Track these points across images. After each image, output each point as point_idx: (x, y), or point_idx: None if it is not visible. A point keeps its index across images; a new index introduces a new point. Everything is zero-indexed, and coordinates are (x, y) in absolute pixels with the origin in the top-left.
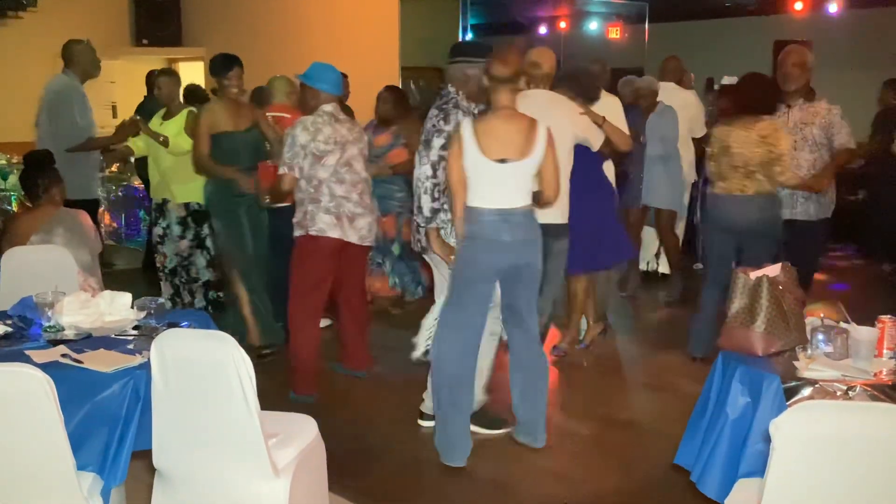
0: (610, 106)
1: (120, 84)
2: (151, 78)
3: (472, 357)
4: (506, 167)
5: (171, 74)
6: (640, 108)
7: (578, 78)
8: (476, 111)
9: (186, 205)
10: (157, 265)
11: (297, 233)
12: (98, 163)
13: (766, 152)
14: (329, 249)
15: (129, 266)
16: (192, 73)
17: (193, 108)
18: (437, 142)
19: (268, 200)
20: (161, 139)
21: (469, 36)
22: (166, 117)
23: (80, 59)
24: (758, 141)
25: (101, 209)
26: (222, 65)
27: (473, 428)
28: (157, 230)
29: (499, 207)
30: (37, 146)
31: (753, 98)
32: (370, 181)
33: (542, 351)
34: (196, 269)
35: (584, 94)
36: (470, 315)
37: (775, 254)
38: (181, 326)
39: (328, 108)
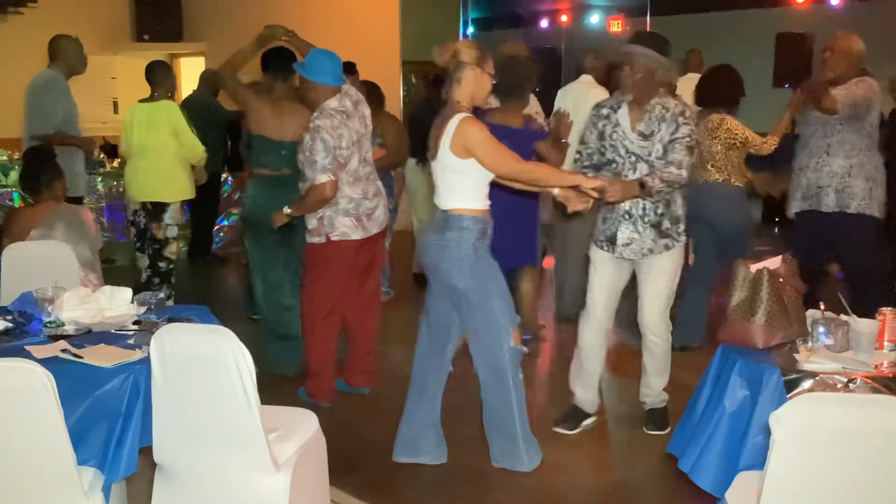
0: (598, 97)
1: (121, 79)
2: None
3: (428, 362)
4: (433, 164)
5: (166, 66)
6: None
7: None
8: (617, 103)
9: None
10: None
11: (315, 240)
12: (83, 160)
13: (725, 141)
14: (352, 252)
15: (129, 262)
16: (194, 68)
17: (173, 102)
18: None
19: (289, 211)
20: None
21: (470, 30)
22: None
23: (66, 55)
24: (707, 134)
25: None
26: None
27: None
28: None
29: (435, 204)
30: (23, 141)
31: (709, 91)
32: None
33: (489, 381)
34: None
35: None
36: (426, 309)
37: (746, 245)
38: (181, 321)
39: (334, 103)
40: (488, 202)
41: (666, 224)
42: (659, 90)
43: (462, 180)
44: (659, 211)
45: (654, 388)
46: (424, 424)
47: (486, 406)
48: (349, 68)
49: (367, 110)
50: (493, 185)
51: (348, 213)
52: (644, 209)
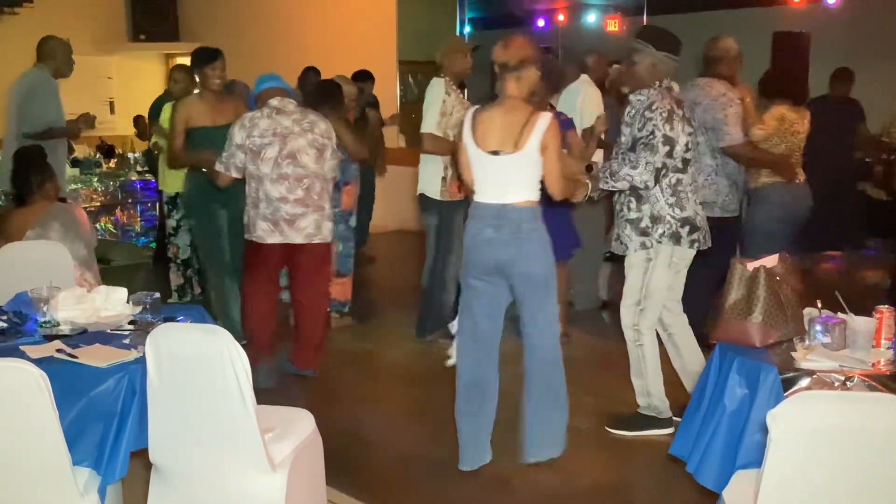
0: (588, 95)
1: (117, 80)
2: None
3: (486, 365)
4: (499, 159)
5: (187, 70)
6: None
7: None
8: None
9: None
10: (170, 255)
11: (245, 235)
12: (64, 159)
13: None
14: (270, 256)
15: (127, 262)
16: None
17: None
18: None
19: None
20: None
21: (467, 29)
22: None
23: (55, 56)
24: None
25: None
26: (205, 57)
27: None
28: (171, 222)
29: (487, 202)
30: (5, 140)
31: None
32: (327, 175)
33: (548, 363)
34: (178, 247)
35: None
36: (474, 314)
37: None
38: (177, 321)
39: (274, 101)
40: None
41: (645, 223)
42: (655, 83)
43: (537, 174)
44: (632, 206)
45: (635, 387)
46: (487, 426)
47: (539, 390)
48: (365, 76)
49: (318, 126)
50: None
51: (265, 218)
52: (621, 204)
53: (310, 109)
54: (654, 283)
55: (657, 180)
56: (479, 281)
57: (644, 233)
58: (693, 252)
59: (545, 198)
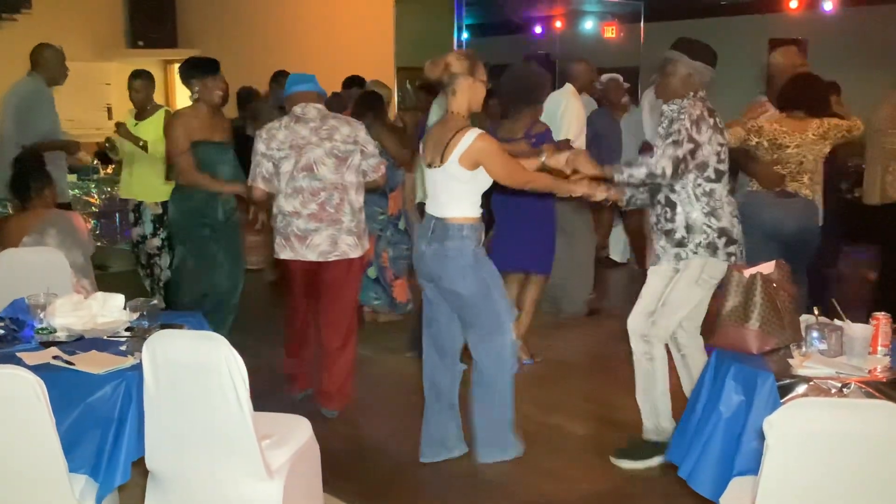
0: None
1: (115, 86)
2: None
3: (437, 368)
4: (431, 172)
5: (147, 76)
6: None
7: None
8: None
9: (163, 203)
10: (155, 276)
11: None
12: (64, 165)
13: (834, 140)
14: (291, 272)
15: (123, 268)
16: None
17: (169, 108)
18: None
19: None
20: (141, 143)
21: (464, 36)
22: (139, 118)
23: (49, 64)
24: (818, 139)
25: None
26: (207, 67)
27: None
28: (156, 241)
29: (429, 213)
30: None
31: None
32: (349, 183)
33: (485, 375)
34: (160, 269)
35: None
36: (426, 318)
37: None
38: (174, 327)
39: (297, 109)
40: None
41: (681, 233)
42: (690, 94)
43: (465, 189)
44: (667, 216)
45: (642, 408)
46: (448, 424)
47: (483, 393)
48: (356, 82)
49: (342, 127)
50: (511, 191)
51: (279, 232)
52: (657, 216)
53: (332, 113)
54: (675, 295)
55: (675, 171)
56: (427, 288)
57: (680, 244)
58: (725, 267)
59: (526, 211)
